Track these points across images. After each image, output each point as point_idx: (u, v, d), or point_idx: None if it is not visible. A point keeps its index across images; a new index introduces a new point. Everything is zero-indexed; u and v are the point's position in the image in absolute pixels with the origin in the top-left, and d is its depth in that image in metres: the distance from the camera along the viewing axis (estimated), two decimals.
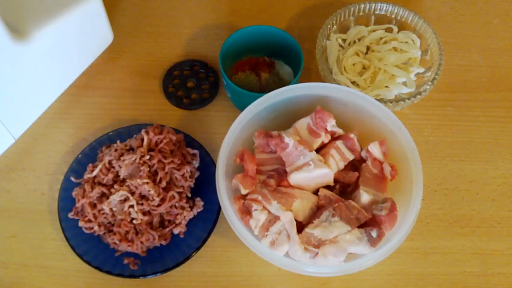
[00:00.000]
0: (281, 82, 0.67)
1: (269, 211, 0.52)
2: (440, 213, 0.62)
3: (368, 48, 0.69)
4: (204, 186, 0.60)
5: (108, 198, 0.55)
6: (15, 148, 0.64)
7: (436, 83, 0.63)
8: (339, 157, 0.55)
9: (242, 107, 0.56)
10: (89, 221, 0.56)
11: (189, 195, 0.59)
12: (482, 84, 0.70)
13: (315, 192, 0.55)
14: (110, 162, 0.57)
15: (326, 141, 0.56)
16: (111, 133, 0.63)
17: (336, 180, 0.55)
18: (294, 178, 0.53)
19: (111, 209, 0.55)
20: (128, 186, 0.55)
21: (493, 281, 0.58)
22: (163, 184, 0.56)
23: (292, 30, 0.67)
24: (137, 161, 0.56)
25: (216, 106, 0.68)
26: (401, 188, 0.54)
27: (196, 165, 0.61)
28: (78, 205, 0.56)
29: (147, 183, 0.55)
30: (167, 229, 0.57)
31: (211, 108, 0.67)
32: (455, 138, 0.66)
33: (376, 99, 0.57)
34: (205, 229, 0.57)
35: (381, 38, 0.69)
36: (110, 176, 0.56)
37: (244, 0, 0.76)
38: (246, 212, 0.52)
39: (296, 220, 0.52)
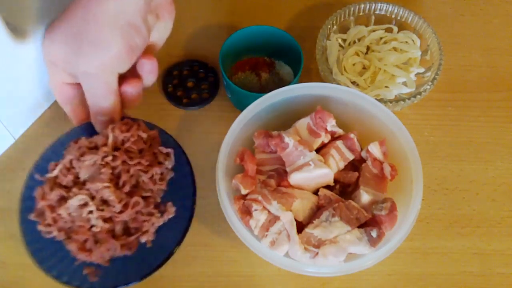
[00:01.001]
0: (281, 82, 0.67)
1: (269, 211, 0.52)
2: (440, 213, 0.62)
3: (368, 48, 0.69)
4: (177, 189, 0.53)
5: (66, 201, 0.49)
6: (15, 148, 0.64)
7: (436, 83, 0.63)
8: (339, 157, 0.55)
9: (242, 107, 0.56)
10: (49, 225, 0.50)
11: (159, 200, 0.52)
12: (482, 84, 0.70)
13: (315, 192, 0.55)
14: (71, 162, 0.51)
15: (326, 141, 0.56)
16: (83, 125, 0.56)
17: (336, 180, 0.55)
18: (294, 178, 0.53)
19: (69, 214, 0.49)
20: (88, 189, 0.49)
21: (493, 281, 0.58)
22: (127, 188, 0.49)
23: (292, 30, 0.67)
24: (99, 162, 0.49)
25: (216, 106, 0.67)
26: (401, 188, 0.54)
27: (170, 166, 0.53)
28: (38, 206, 0.51)
29: (108, 187, 0.48)
30: (133, 237, 0.50)
31: (211, 108, 0.67)
32: (455, 138, 0.66)
33: (376, 99, 0.57)
34: (175, 237, 0.51)
35: (381, 38, 0.69)
36: (70, 177, 0.50)
37: (244, 0, 0.76)
38: (246, 212, 0.52)
39: (296, 220, 0.52)
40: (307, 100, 0.58)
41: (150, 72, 0.54)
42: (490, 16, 0.76)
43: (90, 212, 0.49)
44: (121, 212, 0.49)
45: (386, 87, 0.65)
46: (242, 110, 0.56)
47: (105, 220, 0.49)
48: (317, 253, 0.50)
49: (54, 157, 0.54)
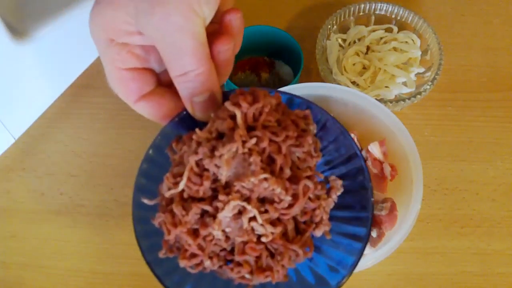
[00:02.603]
0: (281, 82, 0.67)
1: None
2: (440, 213, 0.62)
3: (368, 48, 0.69)
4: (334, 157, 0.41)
5: (215, 217, 0.35)
6: (15, 148, 0.64)
7: (436, 83, 0.63)
8: None
9: None
10: (194, 255, 0.36)
11: (322, 176, 0.38)
12: (482, 84, 0.70)
13: None
14: (198, 164, 0.36)
15: None
16: (175, 120, 0.40)
17: None
18: None
19: (223, 232, 0.36)
20: (238, 191, 0.35)
21: (493, 281, 0.58)
22: (287, 172, 0.36)
23: (292, 30, 0.67)
24: (240, 150, 0.35)
25: None
26: (401, 188, 0.54)
27: (315, 131, 0.39)
28: (169, 237, 0.36)
29: (266, 179, 0.35)
30: (307, 234, 0.37)
31: None
32: (455, 138, 0.66)
33: (376, 99, 0.57)
34: (359, 230, 0.38)
35: (381, 38, 0.69)
36: (206, 183, 0.35)
37: (244, 0, 0.76)
38: None
39: None
40: None
41: (239, 29, 0.42)
42: (490, 16, 0.76)
43: (252, 218, 0.35)
44: (290, 205, 0.36)
45: (386, 87, 0.65)
46: None
47: (273, 223, 0.36)
48: None
49: (155, 175, 0.39)
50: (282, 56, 0.68)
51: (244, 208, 0.35)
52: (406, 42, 0.68)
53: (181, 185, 0.35)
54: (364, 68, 0.68)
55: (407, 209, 0.52)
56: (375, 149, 0.55)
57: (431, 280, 0.58)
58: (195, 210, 0.35)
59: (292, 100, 0.41)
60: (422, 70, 0.67)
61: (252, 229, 0.35)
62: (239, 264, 0.36)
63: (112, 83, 0.39)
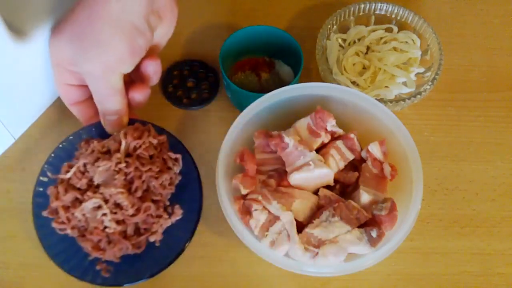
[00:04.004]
0: (281, 82, 0.67)
1: (269, 211, 0.52)
2: (440, 213, 0.62)
3: (368, 48, 0.69)
4: (184, 192, 0.57)
5: (81, 203, 0.52)
6: (15, 148, 0.64)
7: (436, 83, 0.63)
8: (339, 157, 0.55)
9: (242, 107, 0.56)
10: (62, 223, 0.53)
11: (167, 203, 0.56)
12: (482, 84, 0.70)
13: (315, 192, 0.55)
14: (85, 166, 0.54)
15: (326, 141, 0.56)
16: (93, 126, 0.58)
17: (336, 180, 0.55)
18: (294, 178, 0.53)
19: (84, 215, 0.53)
20: (102, 193, 0.52)
21: (493, 281, 0.58)
22: (139, 193, 0.53)
23: (292, 30, 0.67)
24: (112, 168, 0.52)
25: (216, 106, 0.67)
26: (401, 188, 0.55)
27: (177, 171, 0.57)
28: (52, 205, 0.54)
29: (122, 193, 0.52)
30: (142, 237, 0.54)
31: (211, 108, 0.67)
32: (455, 138, 0.66)
33: (376, 99, 0.57)
34: (182, 238, 0.55)
35: (381, 38, 0.69)
36: (84, 180, 0.53)
37: (244, 0, 0.76)
38: (246, 212, 0.52)
39: (296, 220, 0.52)
40: (307, 100, 0.58)
41: (154, 72, 0.56)
42: (490, 16, 0.76)
43: (104, 214, 0.52)
44: (133, 215, 0.53)
45: (386, 87, 0.65)
46: (242, 110, 0.56)
47: (118, 222, 0.53)
48: (317, 253, 0.50)
49: (64, 156, 0.57)
50: (282, 56, 0.68)
51: (101, 205, 0.52)
52: (406, 42, 0.68)
53: (69, 174, 0.54)
54: (364, 68, 0.68)
55: (407, 209, 0.52)
56: (375, 149, 0.55)
57: (431, 280, 0.58)
58: (71, 194, 0.53)
59: (175, 143, 0.58)
60: (422, 70, 0.67)
61: (102, 221, 0.52)
62: (87, 240, 0.53)
63: (56, 87, 0.55)
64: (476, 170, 0.64)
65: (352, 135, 0.56)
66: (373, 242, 0.50)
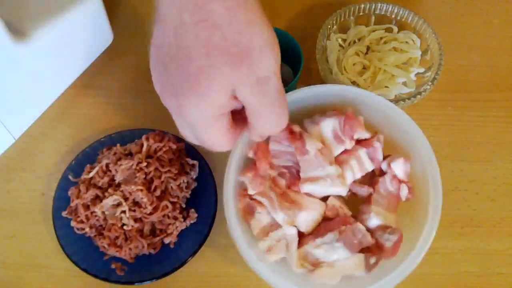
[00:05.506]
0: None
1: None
2: (440, 213, 0.62)
3: (368, 48, 0.69)
4: (199, 198, 0.59)
5: (101, 201, 0.55)
6: (15, 148, 0.64)
7: (436, 83, 0.63)
8: (357, 168, 0.52)
9: None
10: (81, 221, 0.56)
11: (183, 205, 0.58)
12: (482, 84, 0.70)
13: (324, 198, 0.52)
14: (107, 165, 0.57)
15: (349, 148, 0.52)
16: (113, 135, 0.62)
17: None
18: (307, 188, 0.50)
19: (103, 213, 0.55)
20: (122, 191, 0.55)
21: (493, 281, 0.58)
22: (158, 192, 0.55)
23: (292, 30, 0.66)
24: (134, 167, 0.56)
25: None
26: (413, 212, 0.52)
27: (194, 176, 0.60)
28: (72, 204, 0.56)
29: (141, 190, 0.54)
30: (158, 238, 0.56)
31: None
32: (455, 138, 0.66)
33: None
34: (196, 241, 0.56)
35: (381, 38, 0.69)
36: (106, 179, 0.56)
37: None
38: (249, 212, 0.51)
39: (298, 230, 0.50)
40: (334, 96, 0.55)
41: None
42: (490, 16, 0.76)
43: (123, 212, 0.55)
44: (151, 213, 0.55)
45: (386, 87, 0.65)
46: None
47: (136, 220, 0.55)
48: (313, 270, 0.49)
49: (85, 161, 0.60)
50: (282, 56, 0.67)
51: (121, 202, 0.55)
52: (406, 42, 0.68)
53: (91, 174, 0.57)
54: (364, 68, 0.68)
55: (414, 240, 0.49)
56: (398, 167, 0.52)
57: (431, 280, 0.58)
58: (92, 192, 0.56)
59: (192, 152, 0.61)
60: (422, 70, 0.67)
61: (121, 218, 0.55)
62: (104, 237, 0.55)
63: (221, 140, 0.44)
64: (476, 170, 0.64)
65: (377, 144, 0.52)
66: (369, 267, 0.49)
